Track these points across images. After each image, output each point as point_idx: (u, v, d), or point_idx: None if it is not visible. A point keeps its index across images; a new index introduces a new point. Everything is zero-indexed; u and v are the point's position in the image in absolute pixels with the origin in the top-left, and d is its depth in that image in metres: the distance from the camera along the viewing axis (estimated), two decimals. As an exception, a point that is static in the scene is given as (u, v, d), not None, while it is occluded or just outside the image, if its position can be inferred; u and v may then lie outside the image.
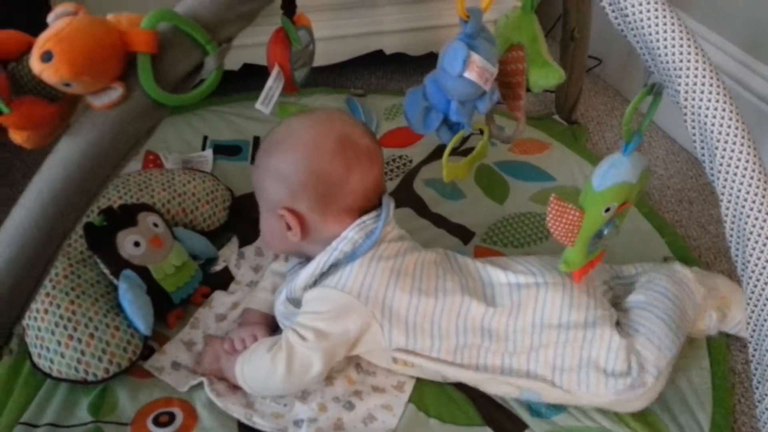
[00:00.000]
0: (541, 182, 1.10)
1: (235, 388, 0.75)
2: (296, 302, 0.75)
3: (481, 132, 0.93)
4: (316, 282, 0.74)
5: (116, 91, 0.45)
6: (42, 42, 0.43)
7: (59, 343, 0.72)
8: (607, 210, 0.69)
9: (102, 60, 0.44)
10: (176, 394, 0.74)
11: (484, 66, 0.73)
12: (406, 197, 1.05)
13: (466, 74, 0.74)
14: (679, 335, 0.76)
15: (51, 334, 0.72)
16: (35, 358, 0.73)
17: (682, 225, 1.07)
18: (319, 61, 1.22)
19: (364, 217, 0.74)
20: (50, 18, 0.44)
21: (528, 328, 0.74)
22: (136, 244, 0.78)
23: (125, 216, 0.80)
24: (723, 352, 0.85)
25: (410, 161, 1.12)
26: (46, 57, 0.42)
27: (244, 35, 1.17)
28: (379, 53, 1.28)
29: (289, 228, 0.74)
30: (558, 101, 1.23)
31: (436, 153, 1.12)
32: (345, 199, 0.73)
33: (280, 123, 0.77)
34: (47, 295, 0.73)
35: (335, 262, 0.73)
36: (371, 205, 0.76)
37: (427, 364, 0.75)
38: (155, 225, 0.81)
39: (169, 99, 0.47)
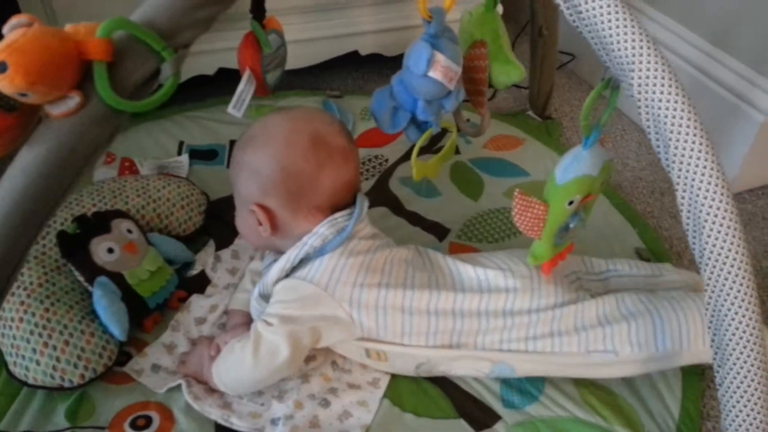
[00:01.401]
0: (515, 178, 1.11)
1: (213, 390, 0.76)
2: (267, 298, 0.76)
3: (450, 131, 0.94)
4: (287, 276, 0.75)
5: (73, 100, 0.46)
6: (-4, 53, 0.43)
7: (35, 350, 0.72)
8: (571, 203, 0.70)
9: (57, 69, 0.45)
10: (153, 398, 0.75)
11: (448, 65, 0.75)
12: (382, 196, 1.06)
13: (431, 73, 0.75)
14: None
15: (26, 342, 0.72)
16: (11, 367, 0.73)
17: (653, 216, 1.09)
18: (294, 63, 1.23)
19: (336, 215, 0.75)
20: (5, 29, 0.45)
21: (499, 312, 0.75)
22: (110, 250, 0.79)
23: (99, 223, 0.80)
24: (693, 340, 0.86)
25: (386, 161, 1.13)
26: (1, 68, 0.43)
27: (217, 40, 1.19)
28: (355, 54, 1.29)
29: (260, 223, 0.75)
30: (531, 98, 1.25)
31: (412, 152, 1.13)
32: (316, 197, 0.74)
33: (257, 121, 0.78)
34: (22, 303, 0.74)
35: (305, 256, 0.74)
36: (344, 203, 0.77)
37: (400, 350, 0.75)
38: (129, 231, 0.82)
39: (126, 105, 0.48)
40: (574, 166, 0.70)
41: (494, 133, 1.20)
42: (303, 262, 0.75)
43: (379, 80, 1.38)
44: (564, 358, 0.75)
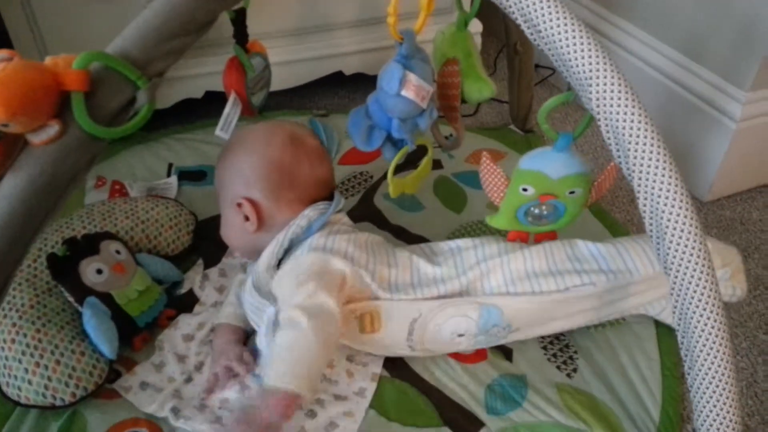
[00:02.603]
0: (497, 190, 1.13)
1: (203, 407, 0.77)
2: (261, 290, 0.79)
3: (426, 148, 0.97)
4: (279, 264, 0.79)
5: (53, 128, 0.49)
6: (-22, 87, 0.46)
7: (27, 370, 0.74)
8: (525, 190, 0.77)
9: (36, 100, 0.47)
10: (143, 415, 0.77)
11: (419, 84, 0.77)
12: (367, 211, 1.08)
13: (403, 93, 0.78)
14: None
15: (18, 363, 0.74)
16: (4, 387, 0.75)
17: (633, 224, 1.11)
18: (281, 84, 1.26)
19: (318, 203, 0.83)
20: (-14, 65, 0.48)
21: (474, 264, 0.81)
22: (99, 271, 0.81)
23: (88, 245, 0.83)
24: (672, 344, 0.88)
25: (371, 177, 1.16)
26: (-18, 101, 0.45)
27: (204, 64, 1.23)
28: (339, 74, 1.33)
29: (246, 219, 0.80)
30: (512, 112, 1.28)
31: (397, 168, 1.16)
32: (296, 189, 0.82)
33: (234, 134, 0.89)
34: (14, 325, 0.76)
35: (293, 237, 0.79)
36: (321, 198, 0.84)
37: (390, 307, 0.78)
38: (117, 252, 0.84)
39: (103, 132, 0.51)
40: (536, 159, 0.77)
41: (477, 147, 1.22)
42: (292, 247, 0.79)
43: (364, 99, 1.39)
44: (544, 296, 0.79)
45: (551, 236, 0.84)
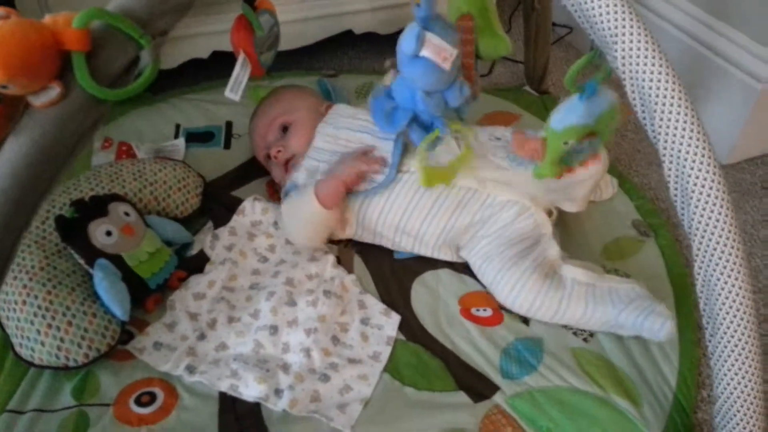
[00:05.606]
0: (511, 152, 1.11)
1: (217, 361, 0.78)
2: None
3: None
4: None
5: (54, 90, 0.47)
6: (-25, 47, 0.44)
7: (39, 332, 0.74)
8: (566, 143, 0.75)
9: (35, 61, 0.45)
10: (156, 374, 0.77)
11: (439, 44, 0.73)
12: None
13: (423, 53, 0.73)
14: None
15: (30, 324, 0.74)
16: (17, 348, 0.75)
17: (651, 187, 1.08)
18: (290, 44, 1.23)
19: None
20: (-18, 23, 0.46)
21: None
22: (108, 233, 0.80)
23: (96, 207, 0.81)
24: (689, 308, 0.87)
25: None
26: (-21, 61, 0.43)
27: (211, 23, 1.19)
28: (349, 33, 1.29)
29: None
30: (527, 72, 1.24)
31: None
32: None
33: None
34: (24, 287, 0.76)
35: None
36: None
37: None
38: (126, 214, 0.83)
39: (107, 94, 0.49)
40: (568, 116, 0.73)
41: (490, 110, 1.19)
42: None
43: (375, 58, 1.37)
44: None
45: (597, 158, 0.84)
